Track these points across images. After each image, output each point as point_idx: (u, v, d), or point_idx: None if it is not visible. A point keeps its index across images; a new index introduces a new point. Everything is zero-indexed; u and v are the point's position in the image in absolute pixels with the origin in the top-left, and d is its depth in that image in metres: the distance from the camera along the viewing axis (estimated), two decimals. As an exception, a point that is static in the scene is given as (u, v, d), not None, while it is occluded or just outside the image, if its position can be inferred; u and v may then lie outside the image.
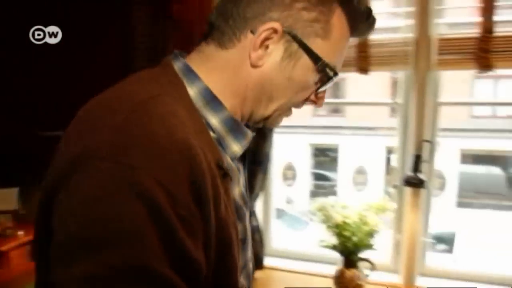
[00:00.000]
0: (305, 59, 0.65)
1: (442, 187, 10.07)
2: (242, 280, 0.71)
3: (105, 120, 0.53)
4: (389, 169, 1.83)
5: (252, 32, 0.62)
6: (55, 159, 0.56)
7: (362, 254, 1.65)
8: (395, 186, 1.78)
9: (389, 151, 9.51)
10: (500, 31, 1.51)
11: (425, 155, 1.64)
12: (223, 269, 0.59)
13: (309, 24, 0.63)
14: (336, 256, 1.67)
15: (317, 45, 0.64)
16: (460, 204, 9.97)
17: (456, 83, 8.97)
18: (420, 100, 1.64)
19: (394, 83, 9.25)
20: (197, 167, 0.52)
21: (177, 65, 0.65)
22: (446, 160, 9.70)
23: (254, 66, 0.64)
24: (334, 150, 10.98)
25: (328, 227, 1.62)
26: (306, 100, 0.71)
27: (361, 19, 0.69)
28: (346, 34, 0.68)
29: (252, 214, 0.89)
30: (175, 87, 0.62)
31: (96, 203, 0.48)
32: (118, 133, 0.51)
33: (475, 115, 10.27)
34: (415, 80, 1.63)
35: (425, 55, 1.59)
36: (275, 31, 0.62)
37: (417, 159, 1.60)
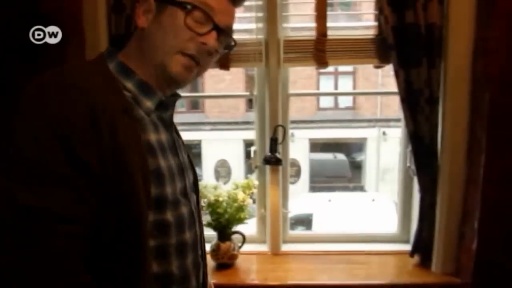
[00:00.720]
0: (169, 8, 0.86)
1: (298, 174, 11.01)
2: (169, 213, 0.89)
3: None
4: (250, 155, 2.07)
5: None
6: None
7: (234, 228, 1.89)
8: (256, 167, 2.05)
9: (247, 144, 10.08)
10: (332, 34, 1.85)
11: (279, 138, 1.93)
12: (119, 184, 0.77)
13: None
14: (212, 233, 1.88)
15: None
16: (312, 188, 10.98)
17: (305, 79, 9.94)
18: (272, 92, 1.91)
19: (249, 79, 9.84)
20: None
21: (105, 52, 0.91)
22: (299, 149, 10.67)
23: (140, 28, 0.89)
24: (196, 146, 11.17)
25: (202, 206, 1.81)
26: (195, 44, 0.87)
27: None
28: None
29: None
30: (98, 65, 0.87)
31: None
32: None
33: (321, 107, 11.46)
34: (267, 75, 1.89)
35: (275, 54, 1.86)
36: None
37: (273, 142, 1.88)
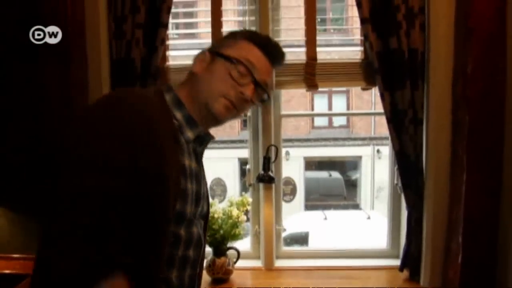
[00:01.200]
0: (221, 61, 1.05)
1: (293, 192, 11.06)
2: (183, 229, 1.01)
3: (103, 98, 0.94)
4: (245, 173, 2.13)
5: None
6: None
7: (229, 244, 1.96)
8: (250, 185, 2.13)
9: (242, 162, 10.16)
10: (321, 58, 1.96)
11: (272, 157, 2.02)
12: (158, 192, 0.88)
13: (225, 45, 1.10)
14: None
15: (227, 51, 1.06)
16: (307, 207, 11.00)
17: (299, 98, 10.08)
18: (265, 113, 2.01)
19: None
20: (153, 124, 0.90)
21: (164, 86, 1.08)
22: (294, 167, 10.74)
23: (194, 71, 1.07)
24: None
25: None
26: (236, 92, 1.05)
27: (261, 41, 1.10)
28: (248, 46, 1.08)
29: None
30: (158, 96, 1.02)
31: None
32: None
33: (316, 126, 11.59)
34: (261, 97, 2.00)
35: (267, 77, 1.97)
36: (205, 53, 1.08)
37: (266, 160, 1.97)
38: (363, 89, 2.02)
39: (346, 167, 12.97)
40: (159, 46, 1.83)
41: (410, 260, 1.96)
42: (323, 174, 12.37)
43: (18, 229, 2.16)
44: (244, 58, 1.05)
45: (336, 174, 12.42)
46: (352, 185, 12.54)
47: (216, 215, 1.89)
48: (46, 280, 0.79)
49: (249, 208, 2.00)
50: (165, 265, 0.96)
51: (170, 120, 0.99)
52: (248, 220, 2.11)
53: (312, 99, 11.39)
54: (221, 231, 1.88)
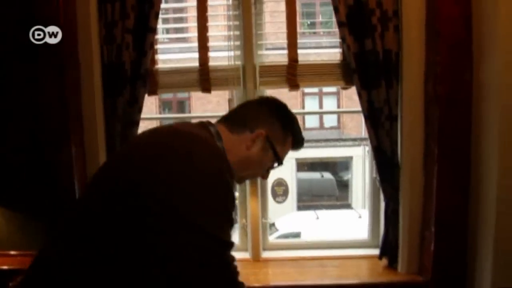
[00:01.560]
0: (271, 153, 1.24)
1: (285, 193, 11.18)
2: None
3: (196, 151, 1.03)
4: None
5: (251, 131, 1.21)
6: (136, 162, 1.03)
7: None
8: (237, 180, 2.23)
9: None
10: (302, 60, 2.08)
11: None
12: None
13: (278, 137, 1.24)
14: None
15: (277, 148, 1.24)
16: (300, 207, 11.13)
17: (289, 100, 10.18)
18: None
19: (230, 100, 10.12)
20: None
21: (212, 129, 1.17)
22: (287, 169, 10.84)
23: (246, 149, 1.20)
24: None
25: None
26: (261, 175, 1.34)
27: (299, 142, 1.32)
28: (290, 145, 1.30)
29: None
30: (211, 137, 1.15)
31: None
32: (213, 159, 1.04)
33: (307, 127, 11.73)
34: (245, 97, 2.09)
35: (251, 78, 2.07)
36: (262, 134, 1.21)
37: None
38: (342, 88, 2.14)
39: (338, 167, 13.11)
40: (148, 51, 1.94)
41: (388, 249, 2.08)
42: (315, 175, 12.51)
43: (15, 227, 2.25)
44: (284, 158, 1.29)
45: (328, 175, 12.56)
46: (344, 186, 12.68)
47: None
48: None
49: (236, 202, 2.10)
50: None
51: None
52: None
53: (303, 100, 11.54)
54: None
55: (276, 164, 1.29)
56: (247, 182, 2.14)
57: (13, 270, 1.92)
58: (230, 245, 1.01)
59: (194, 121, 1.28)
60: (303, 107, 11.50)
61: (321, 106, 11.84)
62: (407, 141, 1.95)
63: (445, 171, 1.83)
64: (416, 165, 1.95)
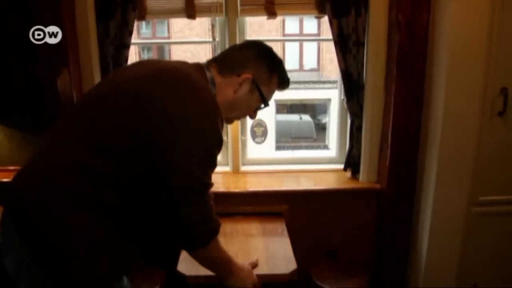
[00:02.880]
0: (257, 95, 1.32)
1: (264, 134, 11.45)
2: None
3: (186, 93, 1.11)
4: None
5: (238, 75, 1.28)
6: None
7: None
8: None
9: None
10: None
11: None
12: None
13: (263, 79, 1.31)
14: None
15: (263, 90, 1.31)
16: (278, 148, 11.46)
17: (270, 43, 10.18)
18: (232, 38, 2.30)
19: (213, 27, 10.03)
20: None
21: (208, 74, 1.26)
22: (266, 110, 11.05)
23: (234, 92, 1.28)
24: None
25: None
26: (249, 115, 1.40)
27: (284, 83, 1.39)
28: (275, 86, 1.37)
29: None
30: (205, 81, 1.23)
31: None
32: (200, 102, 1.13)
33: (287, 69, 11.78)
34: (228, 24, 2.28)
35: (233, 6, 2.24)
36: (248, 78, 1.28)
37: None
38: (316, 17, 2.34)
39: (316, 111, 13.36)
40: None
41: (352, 162, 2.38)
42: (294, 117, 12.74)
43: (16, 144, 2.45)
44: (270, 99, 1.37)
45: (306, 117, 12.80)
46: (321, 129, 12.97)
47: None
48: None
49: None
50: None
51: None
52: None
53: (283, 44, 11.56)
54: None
55: (262, 105, 1.37)
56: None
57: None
58: (209, 185, 1.17)
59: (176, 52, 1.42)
60: (284, 52, 11.53)
61: (301, 49, 11.90)
62: (371, 64, 2.19)
63: (402, 88, 2.09)
64: (378, 85, 2.21)
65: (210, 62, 1.32)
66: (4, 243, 1.09)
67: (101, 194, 1.05)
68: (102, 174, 1.06)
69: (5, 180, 2.27)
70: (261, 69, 1.31)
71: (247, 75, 1.28)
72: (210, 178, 1.16)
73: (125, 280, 1.25)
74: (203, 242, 1.20)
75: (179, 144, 1.07)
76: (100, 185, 1.06)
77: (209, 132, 1.11)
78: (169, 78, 1.14)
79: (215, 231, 1.21)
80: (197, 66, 1.27)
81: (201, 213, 1.14)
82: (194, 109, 1.09)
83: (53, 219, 1.03)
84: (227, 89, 1.28)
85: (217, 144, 1.15)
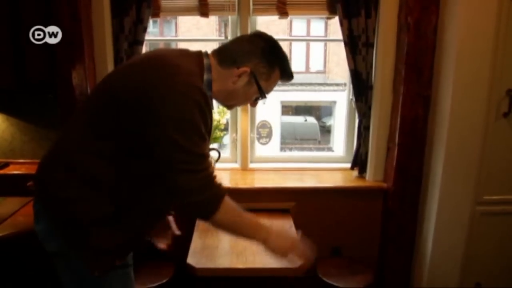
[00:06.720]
0: (255, 87, 1.32)
1: (269, 135, 11.49)
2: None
3: (164, 73, 1.17)
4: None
5: (237, 67, 1.29)
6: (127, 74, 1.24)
7: (211, 146, 2.36)
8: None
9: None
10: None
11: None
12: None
13: (263, 73, 1.31)
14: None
15: (261, 83, 1.32)
16: (283, 149, 11.50)
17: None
18: (244, 37, 2.35)
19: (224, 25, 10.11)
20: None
21: (205, 61, 1.29)
22: (271, 111, 11.10)
23: (232, 83, 1.31)
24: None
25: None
26: (249, 104, 1.42)
27: (287, 76, 1.38)
28: (277, 79, 1.37)
29: None
30: (200, 71, 1.27)
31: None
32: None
33: (293, 71, 11.81)
34: (240, 22, 2.33)
35: (246, 5, 2.29)
36: (246, 72, 1.29)
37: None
38: (327, 18, 2.38)
39: (322, 113, 13.38)
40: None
41: (359, 161, 2.42)
42: (299, 119, 12.78)
43: (28, 137, 2.50)
44: (269, 92, 1.38)
45: (311, 119, 12.84)
46: (326, 131, 13.02)
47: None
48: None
49: (228, 117, 2.39)
50: None
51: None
52: (227, 129, 2.51)
53: (290, 44, 11.60)
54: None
55: (262, 97, 1.39)
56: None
57: (28, 175, 2.13)
58: (203, 155, 1.21)
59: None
60: (291, 52, 11.59)
61: (308, 51, 11.94)
62: (380, 65, 2.23)
63: (410, 89, 2.13)
64: (386, 86, 2.25)
65: (213, 52, 1.36)
66: (35, 213, 1.30)
67: (107, 174, 1.21)
68: (109, 155, 1.20)
69: (16, 172, 2.33)
70: (261, 63, 1.32)
71: (245, 69, 1.30)
72: (202, 148, 1.20)
73: (129, 261, 1.36)
74: (210, 210, 1.23)
75: (162, 120, 1.14)
76: (108, 165, 1.21)
77: (188, 106, 1.15)
78: (152, 63, 1.24)
79: (217, 196, 1.23)
80: (196, 53, 1.33)
81: (196, 181, 1.18)
82: (169, 86, 1.16)
83: (65, 194, 1.21)
84: (225, 80, 1.31)
85: (201, 117, 1.18)
